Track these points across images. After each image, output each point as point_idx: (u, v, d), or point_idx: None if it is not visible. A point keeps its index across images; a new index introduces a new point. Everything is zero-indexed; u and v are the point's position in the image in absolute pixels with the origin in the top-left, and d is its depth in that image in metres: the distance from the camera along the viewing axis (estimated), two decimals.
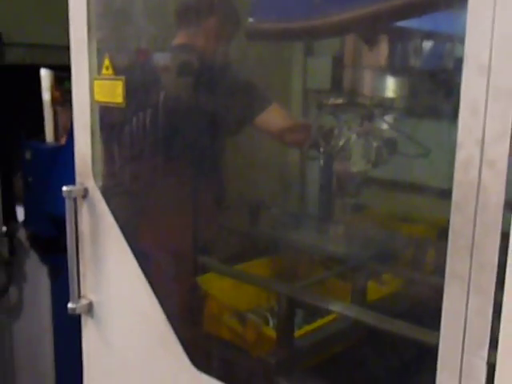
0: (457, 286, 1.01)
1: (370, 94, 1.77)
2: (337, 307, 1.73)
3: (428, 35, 1.65)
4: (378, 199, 2.04)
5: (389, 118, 1.82)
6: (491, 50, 0.92)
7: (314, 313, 1.86)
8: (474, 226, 0.98)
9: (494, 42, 0.92)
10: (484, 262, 0.97)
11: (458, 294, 1.01)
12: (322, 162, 2.03)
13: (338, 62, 1.76)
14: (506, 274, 0.94)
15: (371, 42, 1.70)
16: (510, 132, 0.92)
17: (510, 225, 0.94)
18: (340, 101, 1.82)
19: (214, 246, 2.16)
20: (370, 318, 1.60)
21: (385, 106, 1.79)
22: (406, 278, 1.93)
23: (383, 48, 1.70)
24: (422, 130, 1.75)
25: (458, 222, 1.00)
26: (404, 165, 1.85)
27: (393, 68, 1.74)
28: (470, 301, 1.00)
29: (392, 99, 1.78)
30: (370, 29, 1.64)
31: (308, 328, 1.80)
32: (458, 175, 0.99)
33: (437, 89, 1.50)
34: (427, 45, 1.69)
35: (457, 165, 0.99)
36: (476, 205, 0.97)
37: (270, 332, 1.82)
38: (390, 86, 1.79)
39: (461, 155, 0.98)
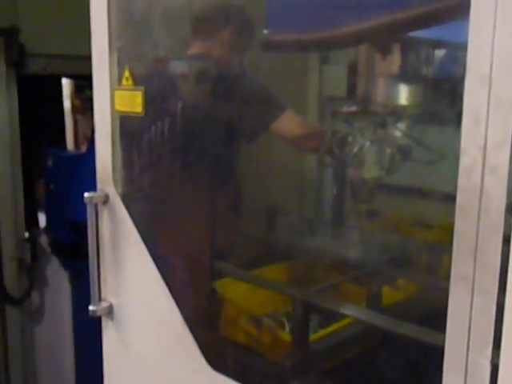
0: (461, 287, 1.03)
1: (383, 102, 1.79)
2: (351, 311, 1.74)
3: (439, 44, 1.68)
4: (391, 205, 2.06)
5: (401, 125, 1.84)
6: (492, 61, 0.95)
7: (329, 317, 1.86)
8: (478, 229, 1.00)
9: (495, 53, 0.95)
10: (487, 263, 0.99)
11: (463, 295, 1.03)
12: (336, 168, 2.06)
13: (352, 71, 1.79)
14: (508, 276, 0.96)
15: (384, 51, 1.73)
16: (510, 139, 0.94)
17: (511, 228, 0.97)
18: (354, 108, 1.84)
19: (231, 252, 2.18)
20: (384, 322, 1.62)
21: (397, 113, 1.81)
22: (420, 283, 1.95)
23: (396, 57, 1.73)
24: (434, 136, 1.77)
25: (461, 226, 1.02)
26: (418, 170, 1.86)
27: (405, 76, 1.76)
28: (474, 301, 1.02)
29: (404, 107, 1.80)
30: (382, 39, 1.67)
31: (323, 332, 1.81)
32: (461, 180, 1.01)
33: (447, 97, 1.52)
34: (439, 54, 1.72)
35: (460, 170, 1.01)
36: (479, 209, 0.99)
37: (286, 336, 1.83)
38: (403, 94, 1.81)
39: (464, 161, 1.01)
